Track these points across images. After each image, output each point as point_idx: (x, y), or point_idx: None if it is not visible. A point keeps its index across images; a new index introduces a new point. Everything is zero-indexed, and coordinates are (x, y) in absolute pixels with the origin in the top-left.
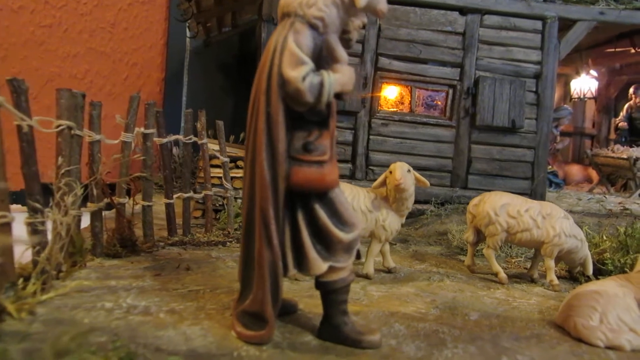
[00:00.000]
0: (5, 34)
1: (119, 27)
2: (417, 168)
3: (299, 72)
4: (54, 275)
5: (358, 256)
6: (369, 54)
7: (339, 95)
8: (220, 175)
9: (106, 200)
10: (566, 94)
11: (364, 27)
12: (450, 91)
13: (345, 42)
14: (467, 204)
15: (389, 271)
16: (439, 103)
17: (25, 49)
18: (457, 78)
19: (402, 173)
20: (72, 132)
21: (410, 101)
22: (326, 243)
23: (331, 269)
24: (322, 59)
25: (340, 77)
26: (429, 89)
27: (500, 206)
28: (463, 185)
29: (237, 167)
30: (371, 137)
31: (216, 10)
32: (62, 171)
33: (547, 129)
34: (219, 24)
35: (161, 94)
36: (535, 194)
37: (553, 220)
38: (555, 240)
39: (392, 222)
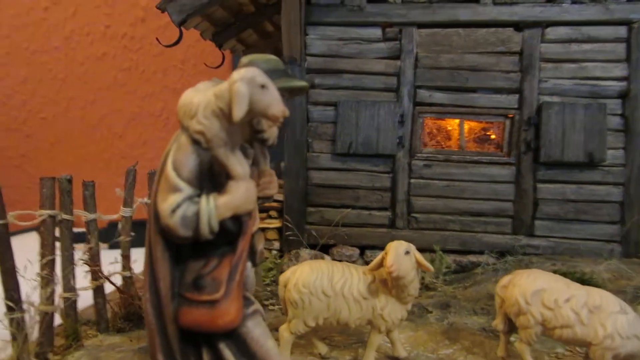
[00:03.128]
0: (93, 80)
1: (188, 63)
2: (470, 213)
3: (169, 204)
4: None
5: None
6: (406, 87)
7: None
8: None
9: (102, 281)
10: None
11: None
12: (507, 122)
13: (262, 142)
14: (535, 254)
15: None
16: (494, 137)
17: (110, 92)
18: (515, 106)
19: (396, 257)
20: (58, 219)
21: (459, 137)
22: None
23: None
24: (220, 174)
25: (230, 199)
26: (481, 121)
27: (532, 292)
28: (529, 233)
29: (270, 217)
30: (412, 180)
31: (262, 44)
32: (44, 261)
33: None
34: None
35: None
36: (628, 242)
37: (604, 316)
38: (607, 342)
39: (392, 311)
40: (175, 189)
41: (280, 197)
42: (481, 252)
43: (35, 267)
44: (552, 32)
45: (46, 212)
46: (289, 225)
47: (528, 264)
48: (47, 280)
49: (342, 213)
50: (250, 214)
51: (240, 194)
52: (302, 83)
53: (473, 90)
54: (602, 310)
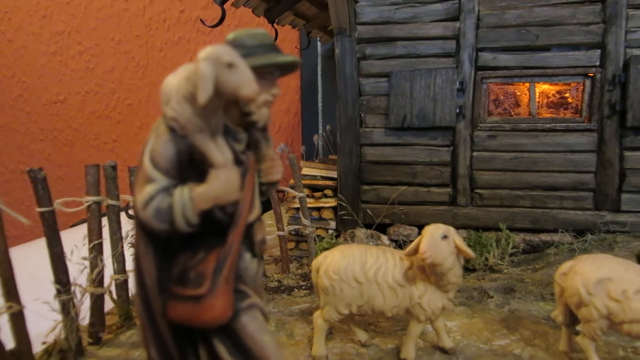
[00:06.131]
0: (172, 64)
1: None
2: (542, 187)
3: (142, 197)
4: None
5: None
6: (466, 51)
7: (223, 207)
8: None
9: None
10: None
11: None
12: (587, 82)
13: (252, 124)
14: (622, 232)
15: (444, 352)
16: (571, 100)
17: None
18: (597, 63)
19: (431, 242)
20: (104, 204)
21: (529, 102)
22: None
23: None
24: (203, 162)
25: (207, 189)
26: (555, 83)
27: (596, 281)
28: (614, 208)
29: (325, 195)
30: (475, 153)
31: (323, 16)
32: (91, 245)
33: None
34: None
35: (300, 101)
36: None
37: None
38: None
39: (431, 299)
40: (149, 180)
41: (334, 174)
42: (555, 231)
43: (83, 252)
44: None
45: (92, 199)
46: (344, 204)
47: (612, 243)
48: (94, 263)
49: (398, 190)
50: (237, 204)
51: (219, 183)
52: (291, 58)
53: (545, 48)
54: None
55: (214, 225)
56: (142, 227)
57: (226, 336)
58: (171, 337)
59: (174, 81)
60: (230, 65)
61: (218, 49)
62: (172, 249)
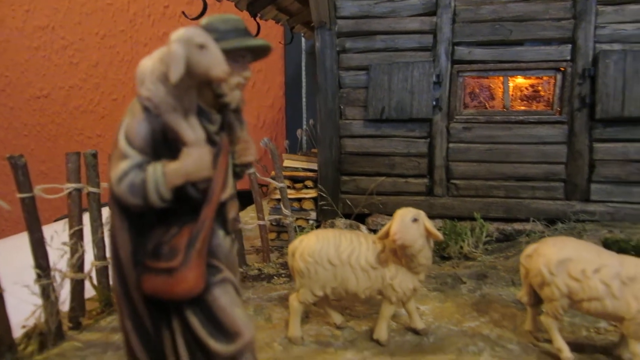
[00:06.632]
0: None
1: None
2: (516, 178)
3: (116, 172)
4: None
5: None
6: (443, 45)
7: (195, 184)
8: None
9: None
10: None
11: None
12: (559, 76)
13: (225, 106)
14: (591, 221)
15: (416, 333)
16: (543, 94)
17: None
18: (568, 58)
19: (401, 225)
20: (84, 192)
21: (503, 95)
22: (205, 355)
23: None
24: (176, 141)
25: (180, 165)
26: (528, 77)
27: (557, 262)
28: (584, 198)
29: (306, 187)
30: (451, 145)
31: (307, 11)
32: (72, 231)
33: None
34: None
35: (284, 97)
36: None
37: (638, 288)
38: None
39: (403, 281)
40: (124, 157)
41: (315, 166)
42: (527, 220)
43: (64, 239)
44: None
45: (72, 186)
46: (324, 195)
47: (581, 231)
48: (74, 249)
49: (376, 181)
50: (209, 182)
51: (191, 160)
52: (261, 42)
53: (519, 43)
54: (637, 281)
55: (187, 201)
56: (117, 203)
57: (199, 308)
58: (145, 310)
59: (149, 63)
60: (201, 47)
61: (190, 30)
62: (147, 224)
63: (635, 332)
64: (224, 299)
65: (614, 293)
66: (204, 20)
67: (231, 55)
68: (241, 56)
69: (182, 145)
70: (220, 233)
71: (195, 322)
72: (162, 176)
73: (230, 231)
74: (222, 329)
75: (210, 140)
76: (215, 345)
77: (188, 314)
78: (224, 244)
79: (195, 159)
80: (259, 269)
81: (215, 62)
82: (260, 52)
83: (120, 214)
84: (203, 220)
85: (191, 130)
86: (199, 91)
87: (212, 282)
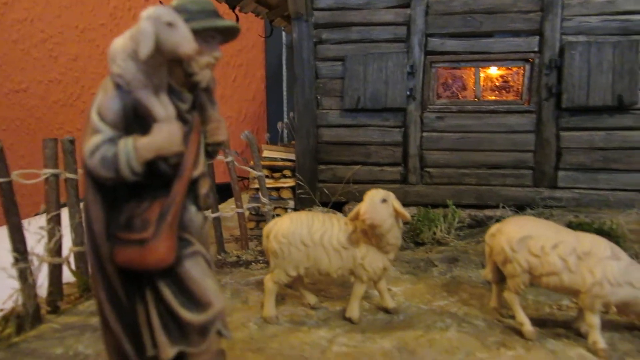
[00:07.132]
0: None
1: None
2: (487, 166)
3: (89, 146)
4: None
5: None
6: (416, 36)
7: (166, 159)
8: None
9: None
10: None
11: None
12: (527, 67)
13: (195, 85)
14: (558, 207)
15: (387, 311)
16: (513, 84)
17: None
18: (535, 49)
19: (371, 205)
20: (62, 177)
21: (475, 86)
22: (177, 324)
23: (183, 355)
24: (147, 117)
25: (150, 140)
26: (498, 68)
27: (518, 239)
28: (551, 184)
29: (284, 176)
30: (425, 134)
31: (285, 4)
32: (49, 217)
33: None
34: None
35: (265, 91)
36: None
37: (593, 262)
38: (596, 289)
39: (373, 260)
40: (96, 131)
41: (293, 157)
42: (498, 206)
43: (41, 223)
44: None
45: (50, 171)
46: (301, 183)
47: (548, 217)
48: (52, 233)
49: (353, 170)
50: (180, 157)
51: (161, 135)
52: (230, 23)
53: (489, 34)
54: (592, 256)
55: (159, 177)
56: (90, 176)
57: (171, 280)
58: (119, 281)
59: (120, 41)
60: (170, 25)
61: (159, 9)
62: (119, 198)
63: (591, 304)
64: (195, 270)
65: (571, 267)
66: (174, 1)
67: (201, 35)
68: (211, 37)
69: (152, 121)
70: (192, 209)
71: (167, 293)
72: (133, 150)
73: (202, 207)
74: (194, 300)
75: (182, 118)
76: (187, 314)
77: (160, 285)
78: (196, 219)
79: (165, 135)
80: (238, 256)
81: (183, 39)
82: (229, 34)
83: (94, 188)
84: (174, 194)
85: (162, 106)
86: (170, 70)
87: (184, 254)
